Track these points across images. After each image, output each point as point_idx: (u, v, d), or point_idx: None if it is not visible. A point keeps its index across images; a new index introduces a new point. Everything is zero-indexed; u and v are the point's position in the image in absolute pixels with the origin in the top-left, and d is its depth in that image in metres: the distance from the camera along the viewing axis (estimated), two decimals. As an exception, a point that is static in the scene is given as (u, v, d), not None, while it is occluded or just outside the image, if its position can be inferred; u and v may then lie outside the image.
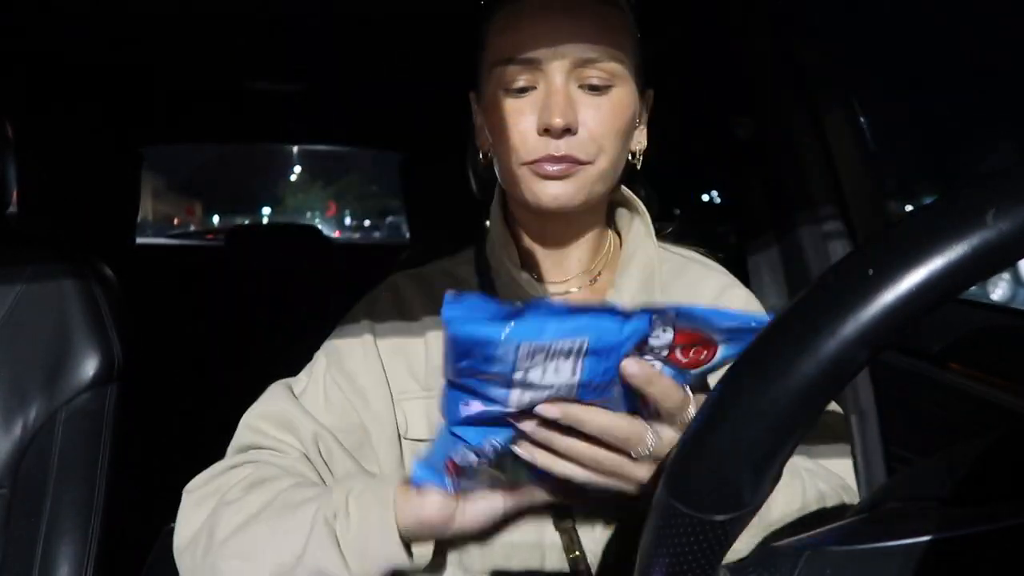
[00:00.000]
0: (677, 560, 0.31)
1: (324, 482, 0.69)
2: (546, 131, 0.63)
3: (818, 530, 0.38)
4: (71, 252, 1.03)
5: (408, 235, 3.00)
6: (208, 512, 0.65)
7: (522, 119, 0.65)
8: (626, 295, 0.72)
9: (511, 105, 0.65)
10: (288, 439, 0.69)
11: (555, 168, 0.64)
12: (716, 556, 0.31)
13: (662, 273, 0.74)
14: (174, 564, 0.76)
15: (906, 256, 0.26)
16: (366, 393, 0.71)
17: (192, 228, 10.08)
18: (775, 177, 1.25)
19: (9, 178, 1.01)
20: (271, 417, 0.70)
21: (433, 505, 0.56)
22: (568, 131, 0.63)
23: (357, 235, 13.98)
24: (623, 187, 0.76)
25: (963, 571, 0.35)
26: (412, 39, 1.66)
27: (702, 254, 0.83)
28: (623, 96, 0.65)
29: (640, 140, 0.72)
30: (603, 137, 0.64)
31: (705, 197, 2.24)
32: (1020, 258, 0.27)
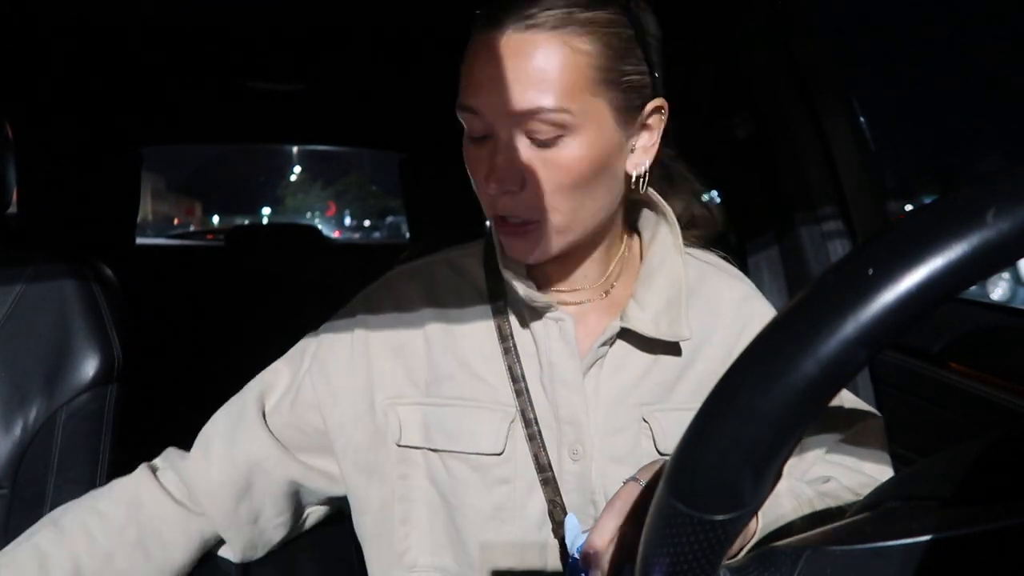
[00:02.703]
0: (677, 560, 0.31)
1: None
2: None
3: (818, 530, 0.38)
4: (71, 252, 1.03)
5: (408, 235, 3.00)
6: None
7: (479, 168, 0.62)
8: (648, 311, 0.68)
9: (470, 153, 0.63)
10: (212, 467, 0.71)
11: (508, 226, 0.62)
12: (716, 556, 0.31)
13: (688, 288, 0.70)
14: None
15: (906, 256, 0.26)
16: (338, 397, 0.70)
17: (192, 228, 10.08)
18: (775, 177, 1.25)
19: (9, 178, 1.01)
20: (205, 439, 0.72)
21: None
22: (511, 190, 0.60)
23: (357, 235, 13.99)
24: (650, 190, 0.70)
25: (963, 571, 0.35)
26: (412, 40, 1.66)
27: (719, 256, 0.80)
28: (578, 145, 0.59)
29: (640, 162, 0.65)
30: (550, 195, 0.60)
31: (705, 197, 2.24)
32: (1020, 258, 0.27)
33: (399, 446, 0.70)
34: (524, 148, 0.59)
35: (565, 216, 0.61)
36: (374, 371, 0.70)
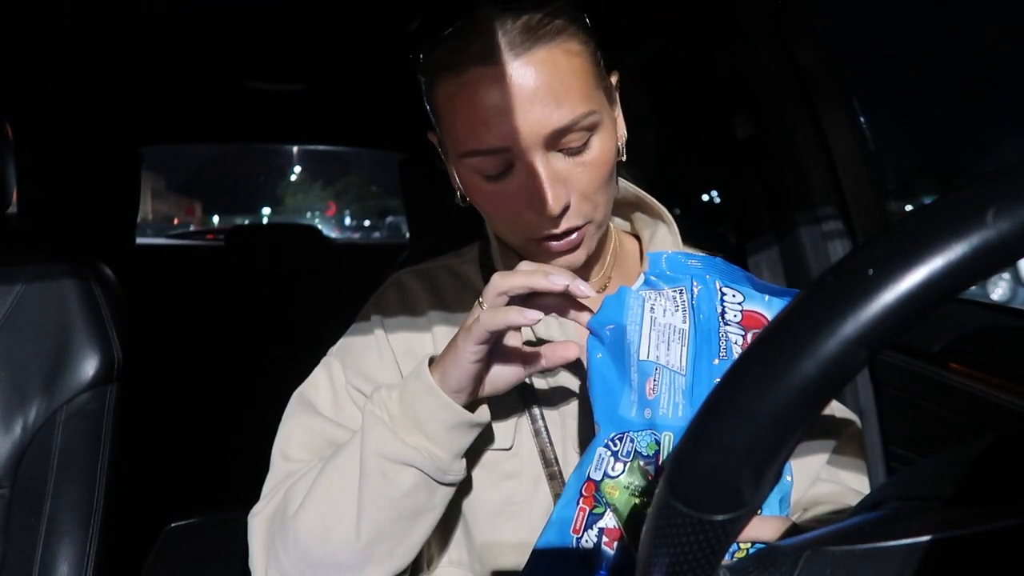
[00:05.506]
0: (677, 560, 0.31)
1: None
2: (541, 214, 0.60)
3: (818, 530, 0.38)
4: (71, 252, 1.03)
5: (408, 235, 3.00)
6: (273, 513, 0.65)
7: (510, 202, 0.61)
8: None
9: (493, 190, 0.61)
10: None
11: (560, 244, 0.62)
12: (716, 556, 0.31)
13: None
14: (174, 564, 0.76)
15: (906, 256, 0.26)
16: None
17: (192, 228, 10.07)
18: (775, 177, 1.25)
19: (9, 178, 1.01)
20: (308, 442, 0.69)
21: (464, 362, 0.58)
22: (566, 206, 0.60)
23: (357, 235, 13.96)
24: (642, 194, 0.74)
25: (963, 571, 0.35)
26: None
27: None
28: (603, 139, 0.60)
29: (622, 133, 0.67)
30: (595, 192, 0.61)
31: (705, 197, 2.24)
32: (1020, 258, 0.27)
33: None
34: (560, 162, 0.59)
35: (605, 207, 0.64)
36: (399, 367, 0.71)
